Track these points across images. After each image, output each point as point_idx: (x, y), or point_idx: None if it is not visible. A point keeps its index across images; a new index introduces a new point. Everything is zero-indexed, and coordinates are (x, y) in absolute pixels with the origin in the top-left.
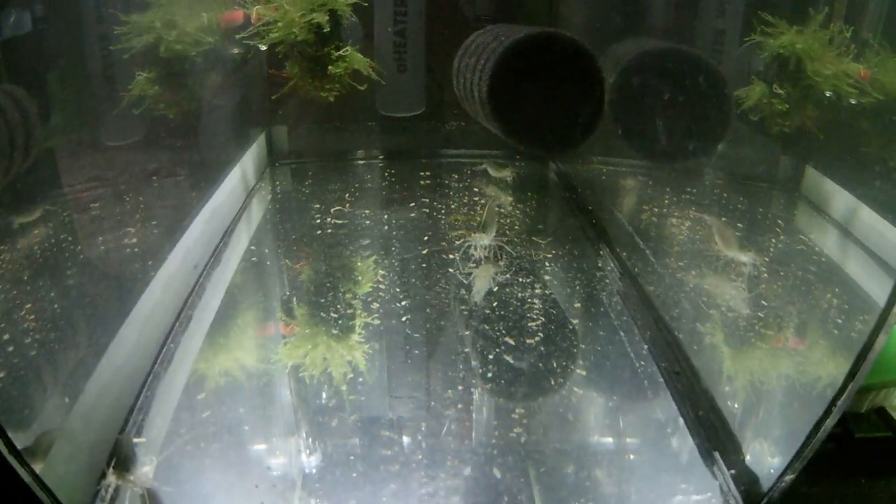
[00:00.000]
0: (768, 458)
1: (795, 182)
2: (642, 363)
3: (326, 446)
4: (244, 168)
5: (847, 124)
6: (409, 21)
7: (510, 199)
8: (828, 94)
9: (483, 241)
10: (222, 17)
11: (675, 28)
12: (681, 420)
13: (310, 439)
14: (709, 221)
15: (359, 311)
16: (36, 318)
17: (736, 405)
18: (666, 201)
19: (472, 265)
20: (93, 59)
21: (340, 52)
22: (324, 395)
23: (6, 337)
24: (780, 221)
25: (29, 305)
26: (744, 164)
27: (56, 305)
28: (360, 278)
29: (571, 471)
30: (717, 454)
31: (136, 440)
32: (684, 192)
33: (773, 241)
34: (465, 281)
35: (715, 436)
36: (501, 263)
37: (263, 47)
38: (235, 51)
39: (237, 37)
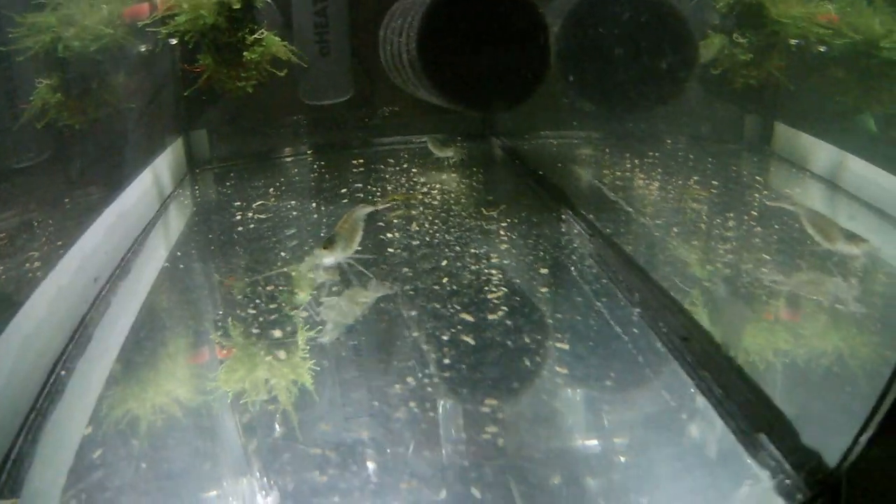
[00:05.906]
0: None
1: (765, 140)
2: (635, 330)
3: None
4: (157, 174)
5: (819, 72)
6: None
7: (454, 177)
8: (793, 41)
9: (327, 259)
10: (126, 11)
11: None
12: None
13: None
14: (796, 210)
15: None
16: None
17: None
18: (628, 165)
19: (324, 293)
20: None
21: (256, 36)
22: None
23: None
24: (758, 178)
25: None
26: (704, 125)
27: None
28: (299, 283)
29: (565, 483)
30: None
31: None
32: (645, 157)
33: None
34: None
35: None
36: (367, 292)
37: (174, 40)
38: (143, 48)
39: (140, 24)
